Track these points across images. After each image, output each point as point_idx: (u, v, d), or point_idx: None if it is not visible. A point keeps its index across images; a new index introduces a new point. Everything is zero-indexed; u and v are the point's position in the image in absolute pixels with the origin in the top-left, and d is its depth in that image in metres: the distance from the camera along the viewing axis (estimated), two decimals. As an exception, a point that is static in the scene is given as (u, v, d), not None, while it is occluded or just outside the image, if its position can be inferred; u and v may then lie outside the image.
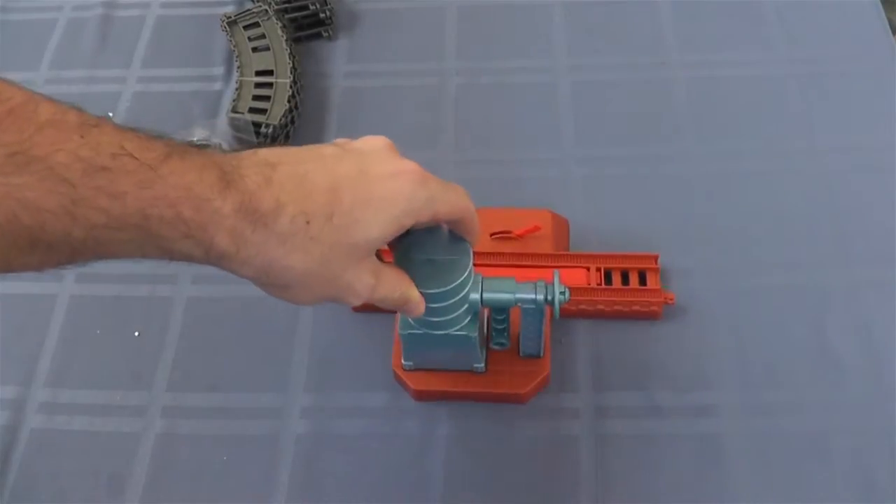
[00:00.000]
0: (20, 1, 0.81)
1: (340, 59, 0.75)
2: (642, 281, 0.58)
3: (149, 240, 0.33)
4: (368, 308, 0.55)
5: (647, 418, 0.54)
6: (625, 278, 0.58)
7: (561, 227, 0.61)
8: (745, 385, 0.55)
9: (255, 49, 0.72)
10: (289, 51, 0.71)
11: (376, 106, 0.71)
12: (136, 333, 0.60)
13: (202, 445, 0.55)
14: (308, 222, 0.36)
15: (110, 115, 0.71)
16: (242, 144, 0.66)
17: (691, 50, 0.72)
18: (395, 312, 0.51)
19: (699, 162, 0.66)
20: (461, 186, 0.43)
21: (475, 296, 0.47)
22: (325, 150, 0.40)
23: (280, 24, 0.73)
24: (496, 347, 0.55)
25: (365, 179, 0.39)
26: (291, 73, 0.70)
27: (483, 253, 0.57)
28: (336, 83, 0.73)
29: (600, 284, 0.57)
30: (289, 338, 0.59)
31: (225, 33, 0.74)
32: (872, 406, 0.54)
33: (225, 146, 0.66)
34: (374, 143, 0.41)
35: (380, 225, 0.39)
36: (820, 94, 0.69)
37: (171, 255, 0.35)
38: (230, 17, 0.74)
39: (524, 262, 0.58)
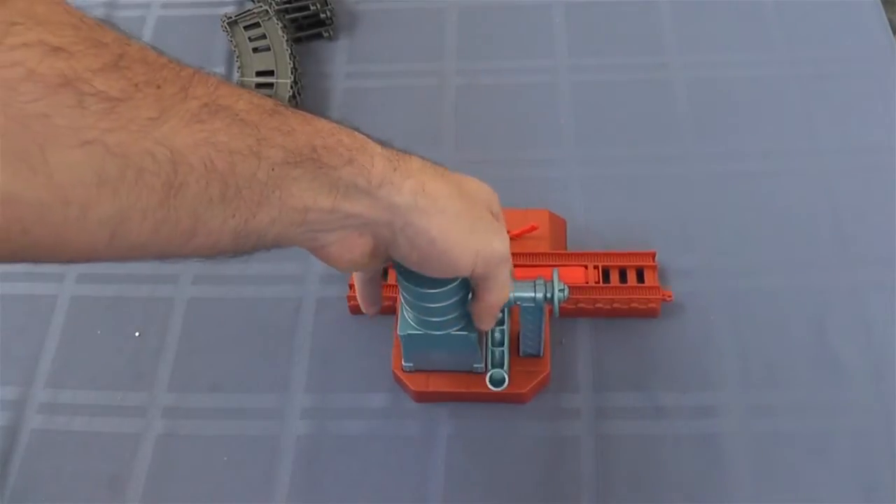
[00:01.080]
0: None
1: (341, 60, 0.75)
2: (640, 279, 0.58)
3: (318, 172, 0.36)
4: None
5: (647, 418, 0.54)
6: (623, 276, 0.58)
7: (558, 226, 0.61)
8: (746, 385, 0.55)
9: (255, 49, 0.72)
10: (289, 51, 0.71)
11: (377, 106, 0.71)
12: (137, 333, 0.60)
13: (202, 446, 0.55)
14: (432, 168, 0.41)
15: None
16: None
17: (691, 50, 0.72)
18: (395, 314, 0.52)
19: (699, 162, 0.66)
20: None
21: None
22: None
23: (280, 25, 0.73)
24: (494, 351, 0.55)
25: (456, 173, 0.44)
26: (292, 73, 0.70)
27: None
28: (336, 83, 0.73)
29: (598, 283, 0.57)
30: (289, 338, 0.59)
31: (225, 33, 0.74)
32: (873, 406, 0.54)
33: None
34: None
35: (485, 189, 0.45)
36: (820, 94, 0.69)
37: (335, 188, 0.37)
38: (230, 18, 0.74)
39: (521, 262, 0.58)
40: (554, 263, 0.58)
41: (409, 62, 0.74)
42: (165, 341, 0.59)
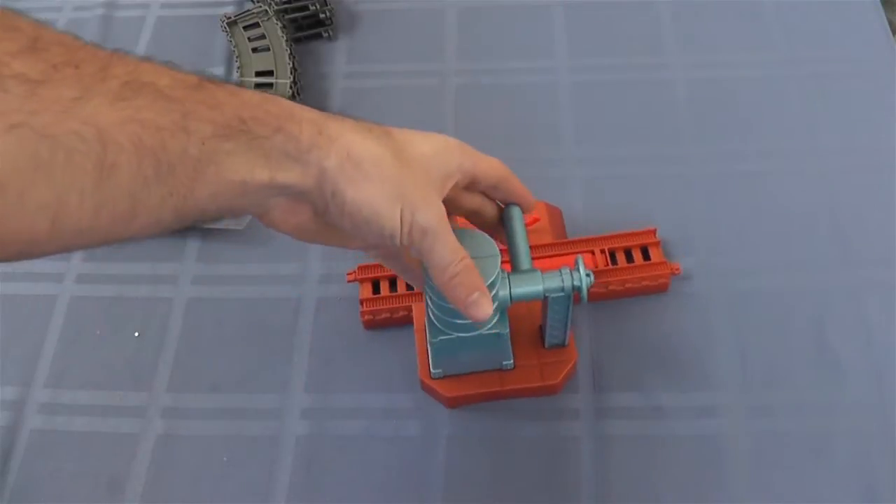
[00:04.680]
0: (20, 1, 0.81)
1: (340, 60, 0.75)
2: (646, 256, 0.59)
3: (250, 143, 0.36)
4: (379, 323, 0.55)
5: (647, 419, 0.54)
6: (628, 257, 0.59)
7: (556, 216, 0.62)
8: (746, 386, 0.55)
9: (255, 49, 0.72)
10: (289, 51, 0.71)
11: (376, 106, 0.71)
12: (136, 334, 0.60)
13: (202, 446, 0.55)
14: (369, 128, 0.41)
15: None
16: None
17: (691, 50, 0.72)
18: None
19: (699, 162, 0.66)
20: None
21: (504, 293, 0.47)
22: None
23: (280, 25, 0.73)
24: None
25: (411, 130, 0.43)
26: (291, 73, 0.70)
27: None
28: (336, 83, 0.73)
29: (608, 266, 0.58)
30: (289, 338, 0.59)
31: (225, 34, 0.74)
32: (873, 407, 0.54)
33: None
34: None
35: (433, 145, 0.43)
36: (820, 95, 0.69)
37: (269, 158, 0.37)
38: (230, 18, 0.74)
39: (535, 255, 0.57)
40: (560, 252, 0.58)
41: (408, 62, 0.74)
42: (165, 341, 0.59)
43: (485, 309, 0.43)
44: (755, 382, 0.55)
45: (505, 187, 0.48)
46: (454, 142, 0.45)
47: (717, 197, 0.64)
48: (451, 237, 0.42)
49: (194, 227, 0.63)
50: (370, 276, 0.59)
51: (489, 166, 0.46)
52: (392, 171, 0.40)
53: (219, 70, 0.73)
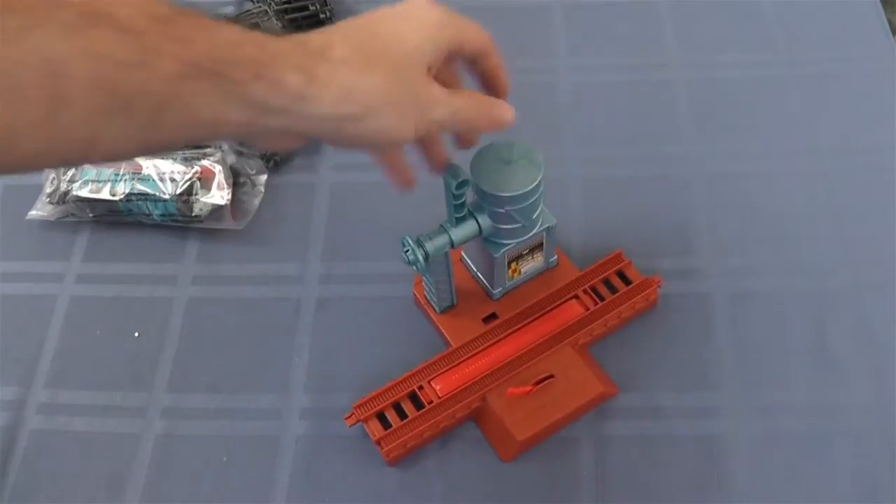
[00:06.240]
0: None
1: (340, 60, 0.75)
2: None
3: (223, 88, 0.34)
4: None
5: (647, 419, 0.54)
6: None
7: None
8: (746, 386, 0.55)
9: (255, 49, 0.72)
10: (289, 51, 0.71)
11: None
12: (136, 334, 0.60)
13: (202, 446, 0.55)
14: (360, 44, 0.38)
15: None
16: (243, 147, 0.66)
17: (691, 50, 0.72)
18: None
19: (699, 162, 0.66)
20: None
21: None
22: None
23: (280, 25, 0.73)
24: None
25: (387, 11, 0.41)
26: (291, 73, 0.70)
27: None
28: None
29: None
30: (289, 338, 0.59)
31: (225, 34, 0.74)
32: (873, 407, 0.54)
33: (225, 148, 0.66)
34: None
35: (418, 34, 0.40)
36: (820, 94, 0.69)
37: (249, 107, 0.35)
38: (230, 18, 0.74)
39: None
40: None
41: (408, 62, 0.74)
42: (165, 341, 0.59)
43: (509, 114, 0.44)
44: (755, 382, 0.55)
45: (484, 63, 0.45)
46: (436, 15, 0.42)
47: (717, 197, 0.64)
48: (459, 98, 0.42)
49: (194, 227, 0.63)
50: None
51: (474, 35, 0.44)
52: (393, 86, 0.38)
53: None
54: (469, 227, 0.50)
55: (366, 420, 0.53)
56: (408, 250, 0.50)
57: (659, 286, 0.57)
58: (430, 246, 0.50)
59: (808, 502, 0.51)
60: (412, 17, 0.41)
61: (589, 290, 0.57)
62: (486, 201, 0.50)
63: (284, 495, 0.53)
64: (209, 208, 0.62)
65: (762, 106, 0.69)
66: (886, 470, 0.51)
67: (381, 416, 0.53)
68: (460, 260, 0.59)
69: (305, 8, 0.75)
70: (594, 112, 0.69)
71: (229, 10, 0.77)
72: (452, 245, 0.51)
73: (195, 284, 0.62)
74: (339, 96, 0.37)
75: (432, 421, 0.52)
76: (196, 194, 0.62)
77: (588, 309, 0.57)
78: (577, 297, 0.57)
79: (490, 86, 0.46)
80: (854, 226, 0.61)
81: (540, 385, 0.53)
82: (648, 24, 0.74)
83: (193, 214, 0.62)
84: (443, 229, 0.50)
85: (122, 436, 0.56)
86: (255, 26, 0.73)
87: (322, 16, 0.75)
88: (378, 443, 0.52)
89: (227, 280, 0.62)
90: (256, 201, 0.65)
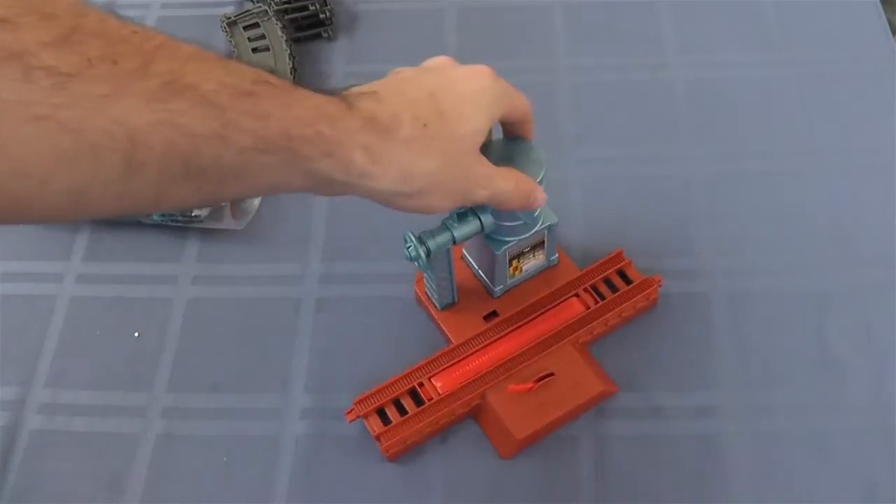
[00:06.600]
0: None
1: (340, 60, 0.75)
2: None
3: (293, 162, 0.35)
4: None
5: (647, 418, 0.54)
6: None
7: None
8: (746, 386, 0.55)
9: (255, 49, 0.72)
10: (289, 51, 0.71)
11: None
12: (136, 334, 0.60)
13: (202, 446, 0.55)
14: (425, 125, 0.40)
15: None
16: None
17: (691, 50, 0.72)
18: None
19: (699, 162, 0.66)
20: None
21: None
22: (406, 73, 0.44)
23: (280, 25, 0.73)
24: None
25: (452, 83, 0.44)
26: (291, 73, 0.70)
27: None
28: (336, 83, 0.73)
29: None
30: (289, 338, 0.59)
31: (225, 34, 0.74)
32: (873, 407, 0.54)
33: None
34: (440, 61, 0.46)
35: (479, 115, 0.43)
36: (820, 95, 0.69)
37: (313, 178, 0.37)
38: (230, 18, 0.74)
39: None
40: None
41: (408, 62, 0.73)
42: (165, 342, 0.59)
43: (542, 198, 0.48)
44: (755, 382, 0.55)
45: (521, 128, 0.49)
46: (495, 90, 0.45)
47: (717, 197, 0.64)
48: (501, 181, 0.45)
49: (194, 227, 0.63)
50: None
51: (520, 104, 0.48)
52: (446, 177, 0.41)
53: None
54: (471, 224, 0.50)
55: (366, 416, 0.53)
56: (410, 246, 0.50)
57: (659, 285, 0.57)
58: (432, 242, 0.50)
59: (807, 502, 0.51)
60: (474, 92, 0.44)
61: (590, 288, 0.57)
62: None
63: (284, 495, 0.53)
64: (209, 208, 0.62)
65: (762, 106, 0.69)
66: (886, 470, 0.51)
67: (381, 412, 0.53)
68: (461, 258, 0.59)
69: (305, 8, 0.75)
70: (594, 112, 0.69)
71: (229, 10, 0.77)
72: (454, 241, 0.51)
73: (195, 284, 0.62)
74: (398, 178, 0.39)
75: (432, 417, 0.52)
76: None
77: (588, 307, 0.57)
78: (577, 295, 0.57)
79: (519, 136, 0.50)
80: (854, 226, 0.61)
81: (540, 383, 0.53)
82: (648, 24, 0.74)
83: (193, 214, 0.62)
84: (445, 226, 0.50)
85: (122, 436, 0.56)
86: (255, 26, 0.73)
87: (322, 16, 0.75)
88: (377, 438, 0.52)
89: (227, 280, 0.62)
90: (256, 201, 0.65)
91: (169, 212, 0.35)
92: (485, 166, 0.44)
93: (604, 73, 0.72)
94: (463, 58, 0.77)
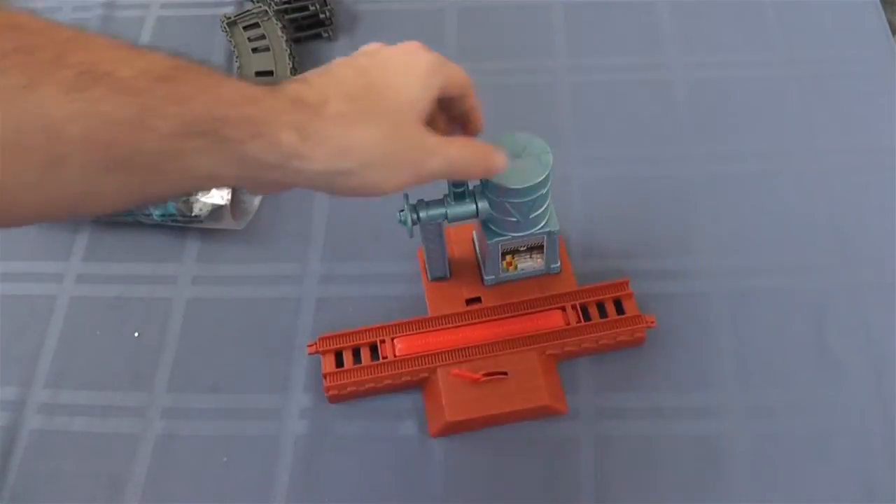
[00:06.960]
0: (19, 1, 0.81)
1: (340, 60, 0.75)
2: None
3: (221, 146, 0.34)
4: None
5: (647, 419, 0.54)
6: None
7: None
8: (746, 386, 0.55)
9: (254, 50, 0.72)
10: (289, 51, 0.71)
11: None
12: (136, 334, 0.60)
13: (202, 446, 0.55)
14: (354, 99, 0.39)
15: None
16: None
17: (691, 50, 0.72)
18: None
19: (699, 163, 0.66)
20: None
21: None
22: (337, 59, 0.43)
23: (280, 25, 0.73)
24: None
25: (382, 60, 0.42)
26: (291, 73, 0.70)
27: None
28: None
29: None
30: (289, 338, 0.59)
31: (225, 34, 0.74)
32: (873, 407, 0.54)
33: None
34: (372, 46, 0.44)
35: (414, 85, 0.42)
36: (820, 95, 0.69)
37: (245, 164, 0.35)
38: (230, 18, 0.74)
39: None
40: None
41: (408, 62, 0.74)
42: (165, 342, 0.59)
43: (501, 162, 0.46)
44: (755, 382, 0.55)
45: (463, 103, 0.47)
46: (428, 61, 0.43)
47: (717, 197, 0.64)
48: (453, 148, 0.43)
49: (194, 227, 0.63)
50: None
51: (457, 77, 0.45)
52: (389, 140, 0.39)
53: (219, 70, 0.73)
54: (466, 207, 0.51)
55: (324, 353, 0.56)
56: (402, 210, 0.51)
57: (650, 327, 0.56)
58: (423, 213, 0.51)
59: (807, 502, 0.51)
60: (406, 64, 0.42)
61: (578, 306, 0.57)
62: (487, 187, 0.51)
63: (284, 495, 0.53)
64: (209, 208, 0.62)
65: (762, 106, 0.69)
66: (886, 470, 0.51)
67: (338, 355, 0.56)
68: (472, 238, 0.60)
69: (305, 8, 0.75)
70: (594, 112, 0.69)
71: (229, 10, 0.77)
72: (447, 218, 0.51)
73: (195, 284, 0.62)
74: (334, 153, 0.38)
75: (378, 375, 0.54)
76: (196, 194, 0.62)
77: (568, 324, 0.56)
78: (563, 308, 0.57)
79: (466, 124, 0.48)
80: (854, 226, 0.61)
81: (489, 377, 0.54)
82: (648, 24, 0.74)
83: (193, 214, 0.62)
84: (441, 202, 0.51)
85: (122, 436, 0.56)
86: (255, 26, 0.73)
87: (322, 16, 0.75)
88: (324, 376, 0.55)
89: (227, 280, 0.62)
90: (256, 201, 0.65)
91: (104, 212, 0.34)
92: (434, 136, 0.42)
93: (604, 73, 0.72)
94: (463, 58, 0.77)
